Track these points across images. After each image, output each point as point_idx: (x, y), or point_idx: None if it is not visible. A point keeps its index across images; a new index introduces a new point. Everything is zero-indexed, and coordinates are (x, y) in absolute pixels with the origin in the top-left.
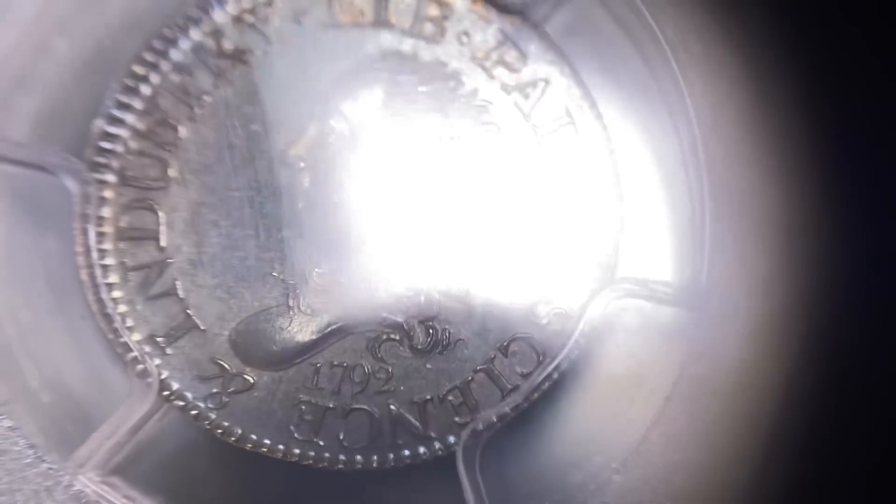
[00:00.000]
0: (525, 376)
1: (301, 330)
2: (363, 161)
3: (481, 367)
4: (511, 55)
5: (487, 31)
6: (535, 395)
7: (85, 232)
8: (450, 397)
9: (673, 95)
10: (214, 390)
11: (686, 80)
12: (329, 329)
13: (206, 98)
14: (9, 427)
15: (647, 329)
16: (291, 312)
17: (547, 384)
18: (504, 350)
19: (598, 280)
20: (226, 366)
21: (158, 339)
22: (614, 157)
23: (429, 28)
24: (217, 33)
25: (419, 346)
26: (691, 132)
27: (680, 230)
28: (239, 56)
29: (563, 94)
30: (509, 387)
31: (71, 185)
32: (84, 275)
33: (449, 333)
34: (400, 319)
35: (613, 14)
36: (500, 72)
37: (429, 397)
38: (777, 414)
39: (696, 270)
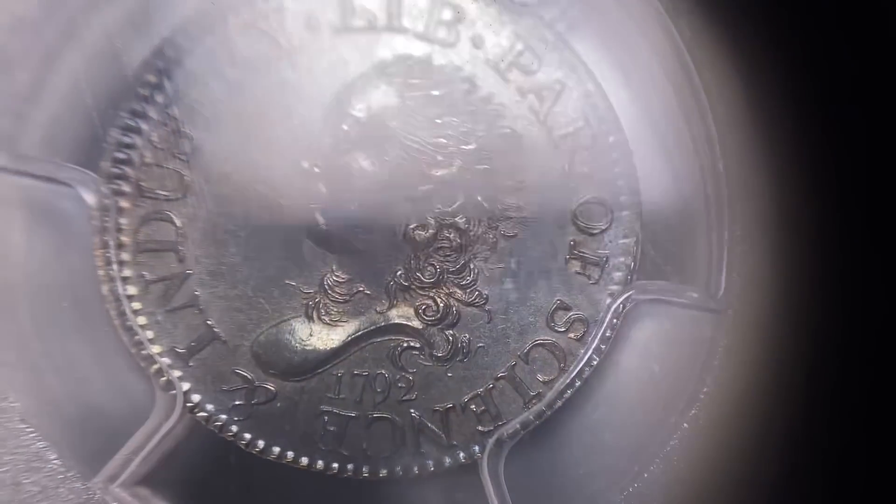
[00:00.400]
0: (547, 383)
1: (321, 340)
2: (378, 166)
3: (502, 374)
4: (525, 58)
5: (501, 34)
6: (559, 403)
7: (104, 245)
8: (472, 405)
9: (689, 95)
10: (238, 402)
11: (702, 78)
12: (349, 338)
13: (221, 106)
14: (42, 446)
15: (668, 333)
16: (311, 322)
17: (570, 391)
18: (525, 357)
19: (617, 284)
20: (248, 377)
21: (180, 351)
22: (631, 160)
23: (442, 32)
24: (229, 41)
25: (439, 354)
26: (707, 131)
27: (699, 231)
28: (252, 63)
29: (578, 97)
30: (532, 394)
31: (88, 197)
32: (105, 288)
33: (469, 340)
34: (419, 327)
35: (629, 12)
36: (514, 75)
37: (450, 405)
38: (799, 414)
39: (717, 272)
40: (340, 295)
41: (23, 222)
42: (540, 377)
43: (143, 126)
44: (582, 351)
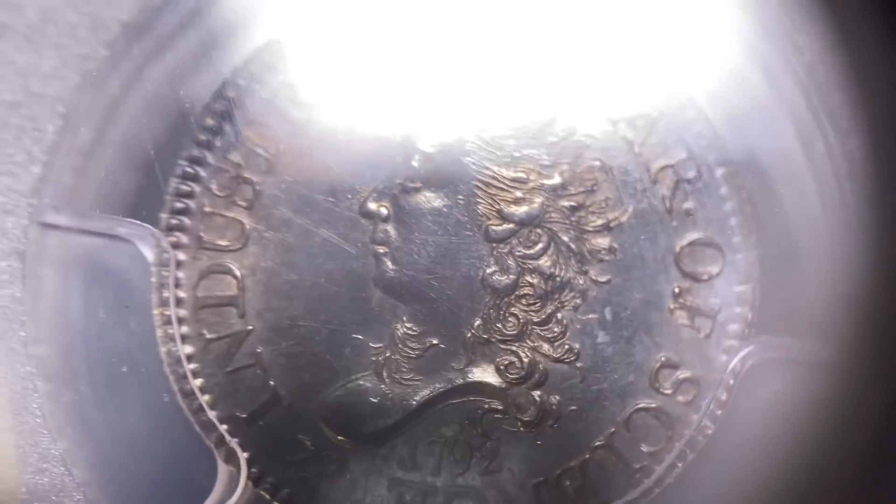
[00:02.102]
0: (654, 455)
1: (392, 401)
2: (451, 205)
3: (600, 443)
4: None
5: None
6: (669, 479)
7: (163, 302)
8: (566, 480)
9: (810, 120)
10: (304, 474)
11: (828, 101)
12: (423, 399)
13: (282, 146)
14: None
15: (794, 395)
16: (381, 382)
17: (681, 464)
18: (626, 423)
19: (733, 339)
20: (314, 444)
21: (241, 416)
22: (743, 195)
23: None
24: (293, 78)
25: (526, 418)
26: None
27: (828, 277)
28: (316, 101)
29: (679, 124)
30: (636, 467)
31: (147, 251)
32: (163, 349)
33: (559, 403)
34: (502, 386)
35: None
36: (602, 101)
37: (541, 479)
38: None
39: (851, 325)
40: (412, 350)
41: (82, 284)
42: (645, 447)
43: (202, 173)
44: (694, 417)
